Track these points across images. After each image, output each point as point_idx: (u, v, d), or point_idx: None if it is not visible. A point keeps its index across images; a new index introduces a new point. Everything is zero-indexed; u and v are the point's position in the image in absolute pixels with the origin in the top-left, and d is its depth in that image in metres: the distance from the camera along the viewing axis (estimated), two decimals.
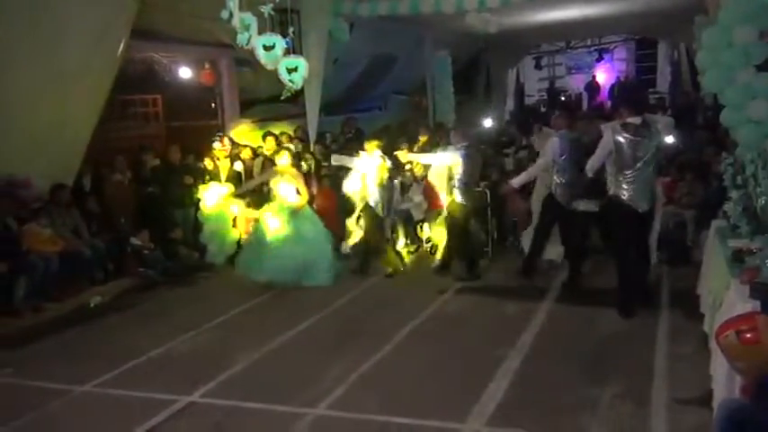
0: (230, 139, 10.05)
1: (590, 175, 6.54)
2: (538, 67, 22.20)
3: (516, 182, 7.66)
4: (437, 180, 8.58)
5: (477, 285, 7.55)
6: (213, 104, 11.51)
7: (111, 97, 8.29)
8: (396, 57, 13.92)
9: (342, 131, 12.27)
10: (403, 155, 8.53)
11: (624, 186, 6.12)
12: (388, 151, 8.47)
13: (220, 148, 9.52)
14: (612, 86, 20.75)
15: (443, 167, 8.10)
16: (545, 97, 22.39)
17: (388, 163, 8.13)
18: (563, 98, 22.06)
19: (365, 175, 8.00)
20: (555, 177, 7.12)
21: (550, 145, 7.16)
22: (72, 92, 7.24)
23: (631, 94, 17.29)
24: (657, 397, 4.62)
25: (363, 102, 14.35)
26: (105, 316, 7.29)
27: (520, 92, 22.14)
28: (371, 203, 8.11)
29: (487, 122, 14.99)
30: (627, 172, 6.08)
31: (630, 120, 6.10)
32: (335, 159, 8.80)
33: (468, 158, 7.68)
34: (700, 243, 7.21)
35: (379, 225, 8.20)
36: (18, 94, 6.12)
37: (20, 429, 4.70)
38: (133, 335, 6.56)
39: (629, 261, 6.24)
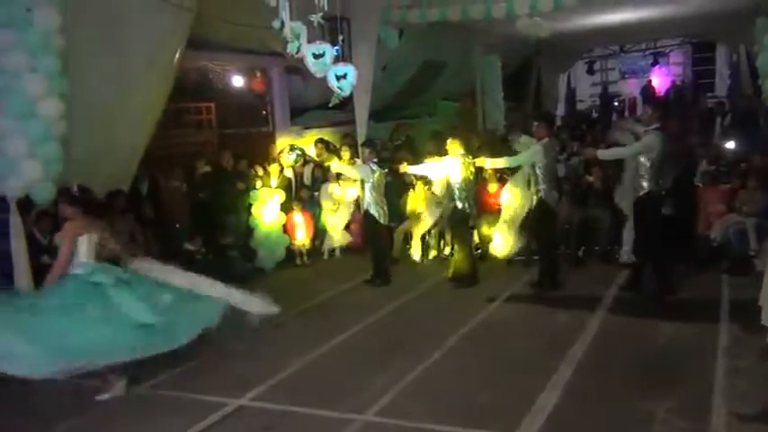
0: (301, 150, 10.23)
1: None
2: (590, 71, 21.79)
3: (603, 153, 7.48)
4: (437, 187, 8.74)
5: (527, 294, 7.43)
6: (264, 112, 11.69)
7: (166, 105, 8.50)
8: (445, 62, 13.87)
9: (391, 138, 12.30)
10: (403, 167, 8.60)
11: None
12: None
13: (290, 160, 9.72)
14: (668, 91, 20.22)
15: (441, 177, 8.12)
16: (597, 102, 21.96)
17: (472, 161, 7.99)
18: (616, 103, 21.59)
19: (448, 176, 7.87)
20: (652, 177, 6.77)
21: (651, 140, 6.74)
22: (131, 100, 7.47)
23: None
24: (716, 412, 4.46)
25: (412, 108, 14.34)
26: None
27: (571, 97, 21.79)
28: (373, 213, 8.11)
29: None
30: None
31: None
32: (336, 168, 8.83)
33: (548, 155, 7.36)
34: (762, 252, 6.94)
35: (377, 233, 8.29)
36: (81, 101, 6.35)
37: (79, 427, 4.85)
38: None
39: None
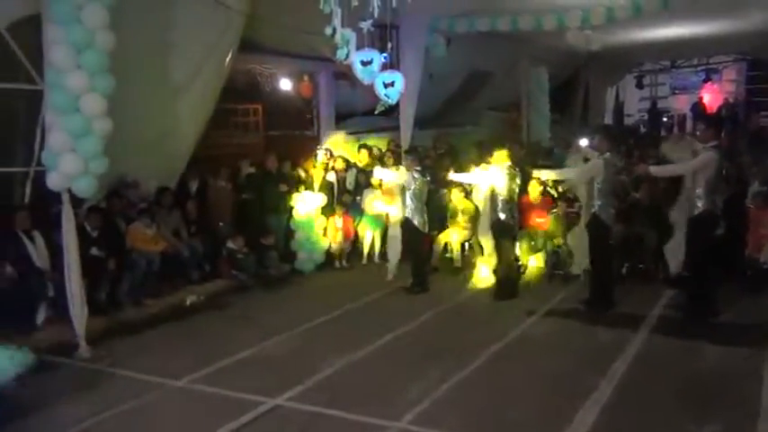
0: (329, 151, 10.32)
1: None
2: (639, 86, 21.41)
3: (657, 169, 7.31)
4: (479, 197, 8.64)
5: (566, 309, 7.33)
6: (310, 116, 11.81)
7: (215, 106, 8.68)
8: (491, 73, 13.83)
9: (434, 146, 12.28)
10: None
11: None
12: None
13: (324, 160, 9.80)
14: (719, 108, 19.73)
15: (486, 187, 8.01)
16: (645, 117, 21.56)
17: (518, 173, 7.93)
18: (665, 119, 21.16)
19: (493, 186, 7.81)
20: (708, 196, 6.62)
21: (708, 158, 6.59)
22: (182, 100, 7.66)
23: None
24: None
25: (456, 117, 14.31)
26: (199, 315, 7.59)
27: (619, 111, 21.44)
28: (414, 221, 8.05)
29: (583, 142, 14.58)
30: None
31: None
32: (378, 173, 8.87)
33: (608, 170, 7.19)
34: None
35: (416, 241, 8.21)
36: (133, 100, 6.52)
37: (117, 418, 4.94)
38: (225, 335, 6.79)
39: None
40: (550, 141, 13.63)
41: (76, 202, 6.35)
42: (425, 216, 8.25)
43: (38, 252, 6.75)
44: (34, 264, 6.69)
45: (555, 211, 8.76)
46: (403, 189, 8.27)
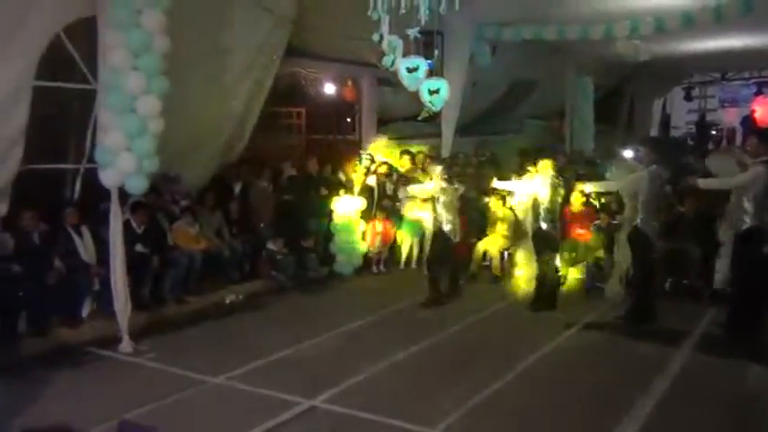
0: (372, 156, 10.37)
1: None
2: (688, 98, 20.93)
3: (706, 182, 7.09)
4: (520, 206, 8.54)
5: (606, 322, 7.21)
6: (352, 120, 11.89)
7: (261, 108, 8.81)
8: (536, 81, 13.73)
9: (475, 153, 12.23)
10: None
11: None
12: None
13: (366, 165, 9.86)
14: None
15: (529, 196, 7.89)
16: (693, 130, 21.08)
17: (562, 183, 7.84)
18: (714, 132, 20.65)
19: (536, 195, 7.70)
20: (756, 213, 6.44)
21: (758, 173, 6.43)
22: (230, 101, 7.81)
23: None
24: None
25: (498, 125, 14.24)
26: (238, 314, 7.70)
27: (665, 123, 21.01)
28: (445, 228, 7.91)
29: (628, 153, 14.34)
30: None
31: None
32: (410, 191, 8.80)
33: (653, 183, 7.06)
34: None
35: (448, 251, 8.02)
36: (183, 99, 6.67)
37: (158, 412, 5.02)
38: (263, 334, 6.86)
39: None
40: (594, 152, 13.44)
41: (122, 197, 6.51)
42: (458, 225, 8.07)
43: (85, 247, 6.93)
44: (81, 258, 6.87)
45: (597, 222, 8.64)
46: (434, 199, 8.16)
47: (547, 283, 7.74)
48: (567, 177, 8.12)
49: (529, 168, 8.71)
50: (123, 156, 5.95)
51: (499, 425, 4.79)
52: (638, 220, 7.02)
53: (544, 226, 7.57)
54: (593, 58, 13.08)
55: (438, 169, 8.22)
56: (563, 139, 14.25)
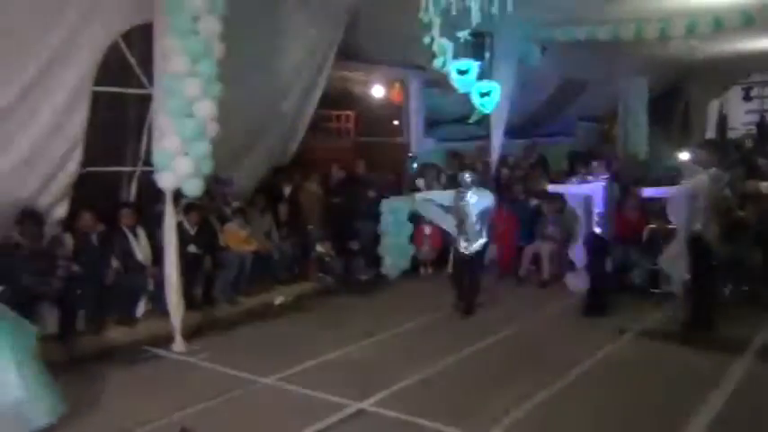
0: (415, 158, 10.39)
1: None
2: (747, 98, 20.24)
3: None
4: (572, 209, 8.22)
5: (662, 330, 6.99)
6: (400, 122, 11.89)
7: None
8: (586, 82, 13.48)
9: (525, 156, 12.10)
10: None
11: None
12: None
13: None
14: None
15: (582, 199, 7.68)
16: (753, 131, 20.36)
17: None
18: None
19: (589, 199, 7.51)
20: None
21: None
22: (281, 105, 7.90)
23: None
24: None
25: (548, 126, 14.04)
26: (287, 315, 7.79)
27: (722, 124, 20.35)
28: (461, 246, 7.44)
29: (683, 156, 13.96)
30: None
31: None
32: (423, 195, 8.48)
33: (714, 186, 6.83)
34: None
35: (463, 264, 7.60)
36: (236, 102, 6.78)
37: (209, 411, 5.11)
38: (311, 336, 6.92)
39: None
40: (648, 154, 13.13)
41: (175, 199, 6.64)
42: (476, 237, 7.50)
43: (140, 248, 7.11)
44: (137, 259, 7.05)
45: (651, 226, 8.41)
46: (450, 209, 7.64)
47: (599, 288, 7.57)
48: (621, 181, 7.92)
49: (580, 171, 8.56)
50: (180, 159, 6.08)
51: None
52: (698, 225, 6.80)
53: (598, 230, 7.40)
54: (647, 58, 12.75)
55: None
56: (615, 141, 13.98)
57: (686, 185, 7.10)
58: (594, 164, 7.61)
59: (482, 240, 7.57)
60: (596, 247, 7.51)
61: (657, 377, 5.78)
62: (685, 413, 4.97)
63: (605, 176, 7.41)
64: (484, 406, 5.11)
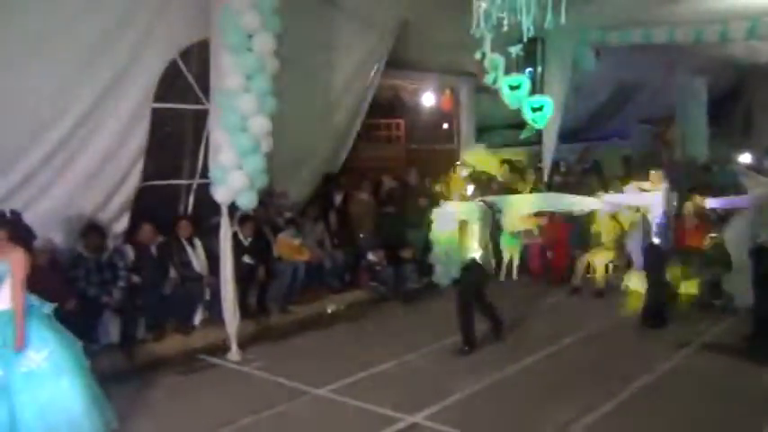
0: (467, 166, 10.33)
1: None
2: None
3: None
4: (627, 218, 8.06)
5: (725, 344, 6.74)
6: (450, 129, 11.86)
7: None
8: (643, 84, 13.17)
9: (578, 161, 11.90)
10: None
11: None
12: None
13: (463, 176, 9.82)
14: None
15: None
16: None
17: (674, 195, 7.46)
18: None
19: (647, 208, 7.34)
20: None
21: None
22: (333, 116, 7.99)
23: None
24: None
25: (603, 130, 13.76)
26: (339, 324, 7.85)
27: None
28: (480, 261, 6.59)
29: (745, 158, 13.48)
30: None
31: None
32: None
33: None
34: None
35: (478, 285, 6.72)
36: (290, 115, 6.89)
37: (263, 422, 5.19)
38: (363, 346, 6.94)
39: None
40: (707, 157, 12.73)
41: (230, 211, 6.79)
42: (491, 253, 6.95)
43: (197, 258, 7.28)
44: (194, 269, 7.22)
45: (713, 235, 8.14)
46: (467, 223, 6.80)
47: (658, 299, 7.37)
48: (681, 188, 7.68)
49: (635, 178, 8.36)
50: (235, 173, 6.21)
51: None
52: (763, 237, 6.54)
53: (656, 240, 7.20)
54: (706, 59, 12.37)
55: (471, 189, 7.17)
56: (673, 145, 13.60)
57: (754, 195, 6.84)
58: (653, 172, 7.41)
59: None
60: (655, 258, 7.31)
61: (722, 394, 5.59)
62: (759, 425, 4.81)
63: (665, 185, 7.20)
64: (540, 421, 5.05)
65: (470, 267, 6.68)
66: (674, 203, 7.37)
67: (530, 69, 5.96)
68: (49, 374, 4.41)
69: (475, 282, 6.75)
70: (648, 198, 7.32)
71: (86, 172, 6.37)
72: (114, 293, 6.50)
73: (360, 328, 7.71)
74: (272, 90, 6.23)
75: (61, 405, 4.41)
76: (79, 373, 4.57)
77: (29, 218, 4.95)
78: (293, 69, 6.81)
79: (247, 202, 6.46)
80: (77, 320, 5.55)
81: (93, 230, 6.54)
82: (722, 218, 8.33)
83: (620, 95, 13.20)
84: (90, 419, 4.50)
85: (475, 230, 6.60)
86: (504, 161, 10.67)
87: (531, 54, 6.42)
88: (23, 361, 4.37)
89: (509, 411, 5.31)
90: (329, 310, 8.26)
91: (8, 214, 4.64)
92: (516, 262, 9.71)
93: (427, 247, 9.44)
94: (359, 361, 6.35)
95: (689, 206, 8.03)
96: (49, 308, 4.66)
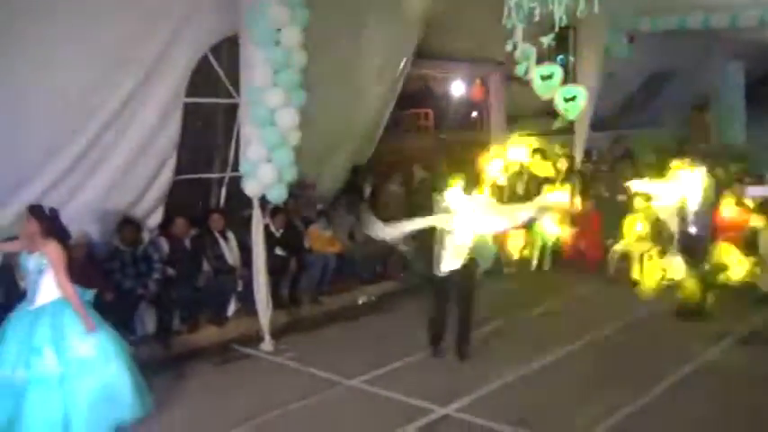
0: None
1: None
2: None
3: None
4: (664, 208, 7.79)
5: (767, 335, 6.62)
6: (481, 118, 11.77)
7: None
8: (677, 69, 12.86)
9: (610, 150, 11.71)
10: None
11: None
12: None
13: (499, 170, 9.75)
14: None
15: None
16: None
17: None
18: None
19: (684, 199, 7.22)
20: None
21: None
22: (362, 107, 7.99)
23: None
24: None
25: (637, 117, 13.50)
26: (371, 314, 7.89)
27: None
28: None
29: None
30: None
31: None
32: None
33: None
34: None
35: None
36: (318, 108, 6.91)
37: (296, 412, 5.25)
38: (395, 336, 6.94)
39: None
40: (745, 144, 12.41)
41: (262, 203, 6.85)
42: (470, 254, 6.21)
43: (230, 251, 7.37)
44: (227, 261, 7.31)
45: (754, 224, 7.94)
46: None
47: (695, 289, 7.23)
48: (717, 177, 7.51)
49: (670, 166, 8.20)
50: (264, 167, 6.25)
51: None
52: None
53: (693, 230, 7.06)
54: (743, 43, 12.03)
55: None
56: (708, 130, 13.28)
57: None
58: (688, 160, 7.26)
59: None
60: (692, 247, 7.18)
61: (761, 385, 5.47)
62: None
63: (701, 173, 7.05)
64: (573, 414, 5.01)
65: (467, 267, 6.06)
66: (712, 191, 7.20)
67: (561, 57, 5.85)
68: (99, 361, 4.62)
69: (467, 283, 6.15)
70: (682, 187, 7.18)
71: (121, 167, 6.48)
72: (150, 285, 6.62)
73: (391, 318, 7.72)
74: (300, 84, 6.26)
75: (110, 390, 4.61)
76: (124, 359, 4.75)
77: (65, 213, 5.08)
78: (322, 61, 6.81)
79: (277, 195, 6.52)
80: (115, 312, 5.68)
81: (128, 224, 6.67)
82: (761, 205, 8.14)
83: (653, 82, 12.93)
84: (135, 403, 4.70)
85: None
86: (535, 150, 10.54)
87: (563, 42, 6.30)
88: (74, 349, 4.56)
89: (540, 404, 5.28)
90: (360, 302, 8.30)
91: (47, 211, 4.77)
92: (549, 251, 9.62)
93: None
94: (390, 352, 6.35)
95: (728, 194, 7.84)
96: (90, 294, 4.81)
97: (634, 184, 7.90)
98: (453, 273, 5.99)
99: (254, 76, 6.18)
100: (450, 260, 5.93)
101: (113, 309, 5.81)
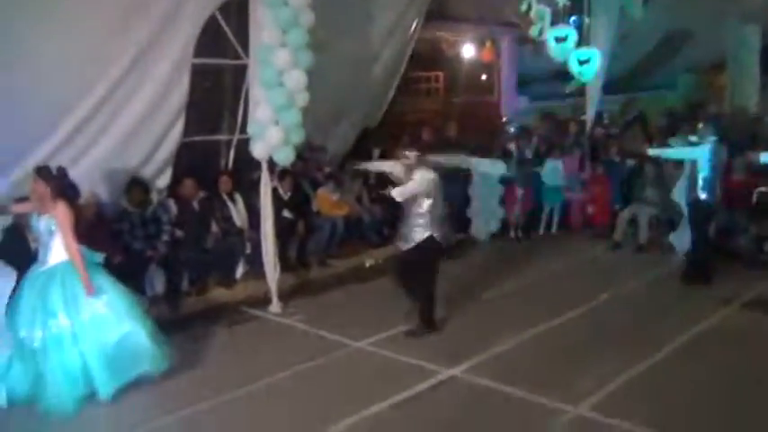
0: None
1: None
2: None
3: None
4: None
5: None
6: (491, 82, 11.63)
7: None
8: (691, 31, 12.61)
9: (621, 113, 11.58)
10: None
11: None
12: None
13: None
14: None
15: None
16: None
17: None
18: None
19: (695, 161, 7.04)
20: None
21: None
22: (372, 70, 7.89)
23: None
24: None
25: (649, 80, 13.30)
26: (378, 277, 7.84)
27: None
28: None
29: None
30: None
31: None
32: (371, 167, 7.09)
33: None
34: None
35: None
36: (327, 70, 6.83)
37: (304, 373, 5.31)
38: (402, 300, 6.86)
39: None
40: (759, 107, 12.22)
41: (270, 166, 6.83)
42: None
43: (238, 213, 7.39)
44: (235, 223, 7.34)
45: (762, 189, 7.89)
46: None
47: (701, 256, 7.22)
48: (729, 141, 7.41)
49: (681, 130, 8.11)
50: (271, 128, 6.20)
51: (644, 410, 4.54)
52: None
53: (703, 195, 7.01)
54: (759, 6, 11.75)
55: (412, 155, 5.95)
56: (721, 94, 13.08)
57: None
58: (700, 125, 7.16)
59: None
60: (700, 213, 7.14)
61: (765, 350, 5.50)
62: None
63: (712, 139, 6.96)
64: (578, 376, 5.04)
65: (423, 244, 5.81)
66: (723, 157, 7.12)
67: (575, 18, 5.73)
68: (112, 318, 4.74)
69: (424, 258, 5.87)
70: (694, 152, 7.10)
71: (129, 128, 6.46)
72: (159, 247, 6.66)
73: None
74: (308, 44, 6.17)
75: (127, 344, 4.75)
76: (138, 315, 4.88)
77: (74, 173, 5.09)
78: (331, 23, 6.70)
79: (284, 157, 6.48)
80: (124, 273, 5.71)
81: (136, 185, 6.67)
82: None
83: (667, 44, 12.70)
84: (155, 355, 4.85)
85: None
86: (544, 114, 10.44)
87: (578, 3, 6.16)
88: (87, 308, 4.66)
89: (546, 366, 5.32)
90: (367, 264, 8.32)
91: (54, 171, 4.77)
92: (556, 216, 9.61)
93: (466, 200, 9.41)
94: (397, 315, 6.36)
95: (739, 160, 7.76)
96: (99, 257, 4.86)
97: (649, 150, 7.79)
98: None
99: (261, 37, 6.10)
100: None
101: (123, 270, 5.85)
